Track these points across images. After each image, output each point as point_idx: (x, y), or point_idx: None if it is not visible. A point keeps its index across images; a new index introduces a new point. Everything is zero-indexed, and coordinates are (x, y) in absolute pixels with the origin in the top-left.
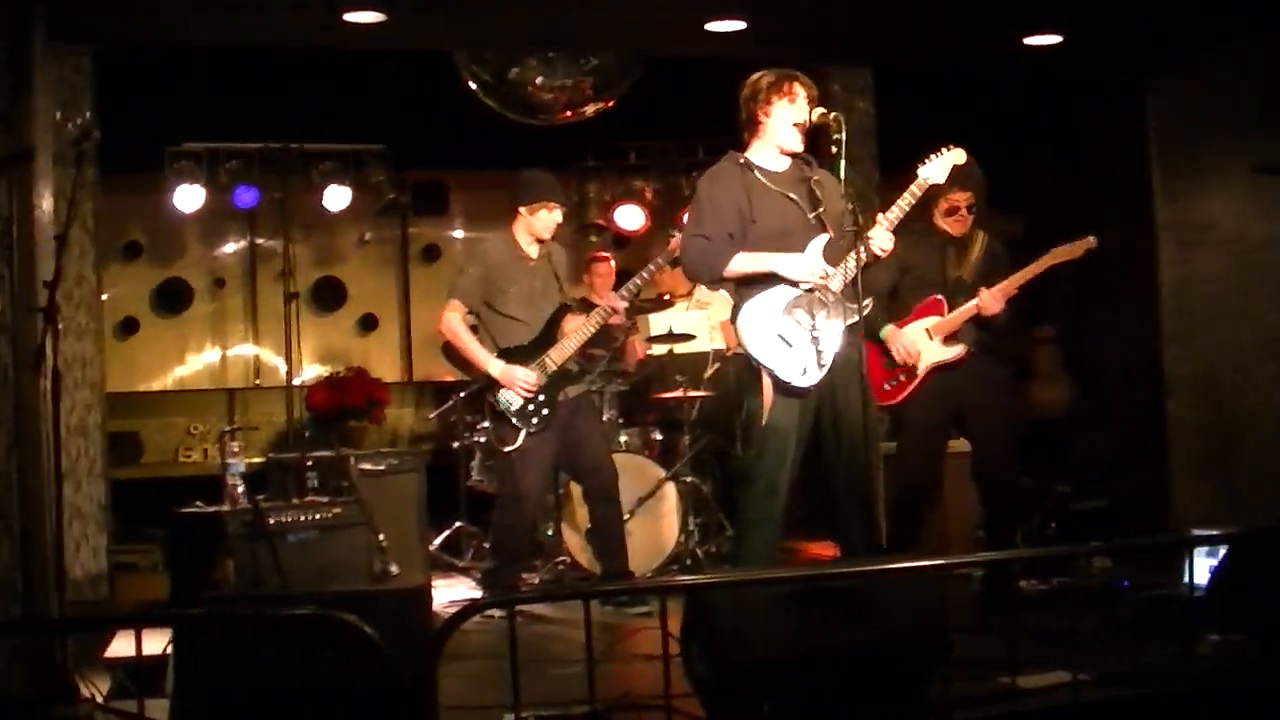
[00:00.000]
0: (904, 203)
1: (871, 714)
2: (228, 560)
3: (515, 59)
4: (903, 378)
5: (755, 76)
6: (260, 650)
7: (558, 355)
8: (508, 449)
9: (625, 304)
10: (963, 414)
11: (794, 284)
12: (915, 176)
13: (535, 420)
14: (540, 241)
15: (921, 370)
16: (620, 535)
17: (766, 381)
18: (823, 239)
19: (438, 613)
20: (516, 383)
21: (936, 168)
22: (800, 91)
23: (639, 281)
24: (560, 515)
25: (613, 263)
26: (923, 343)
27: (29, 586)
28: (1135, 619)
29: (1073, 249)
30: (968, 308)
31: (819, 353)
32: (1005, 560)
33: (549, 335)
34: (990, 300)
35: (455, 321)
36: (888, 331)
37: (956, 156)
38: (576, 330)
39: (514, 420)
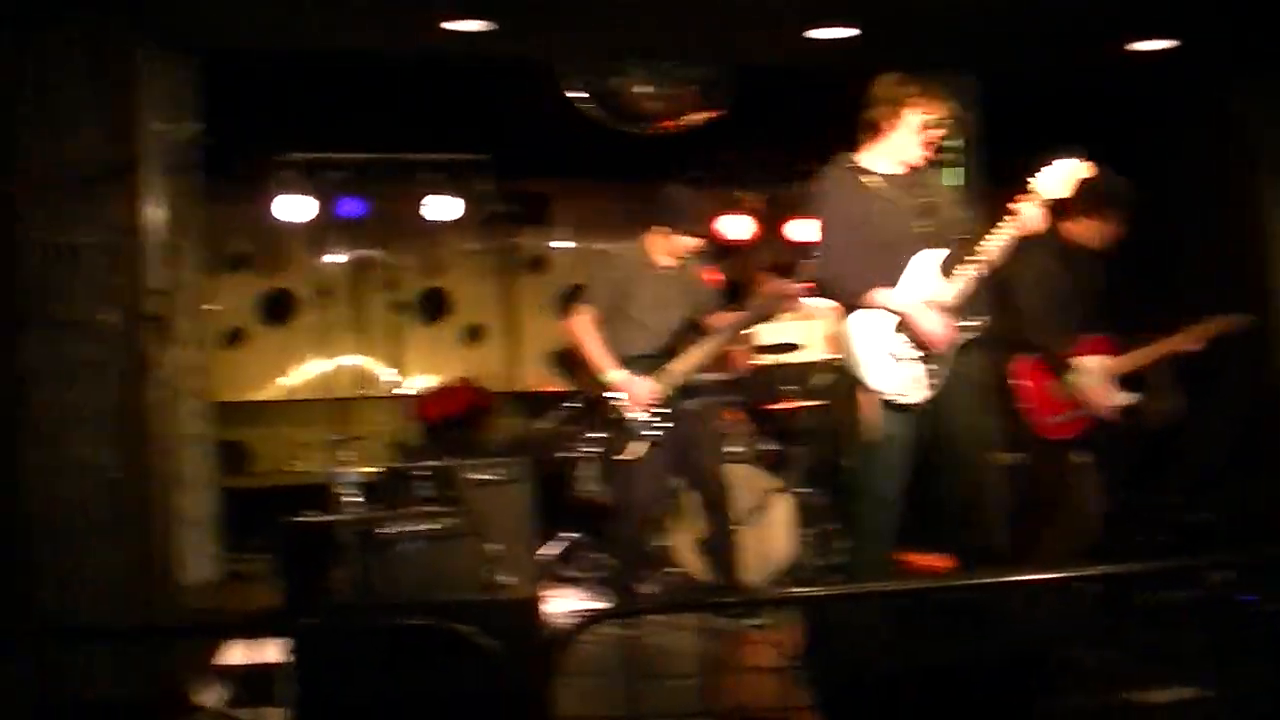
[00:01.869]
0: (1012, 218)
1: None
2: (339, 570)
3: (618, 68)
4: (1075, 414)
5: (892, 79)
6: (376, 659)
7: (681, 367)
8: (622, 458)
9: (799, 286)
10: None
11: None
12: (1026, 189)
13: (651, 430)
14: (675, 256)
15: (1097, 409)
16: (730, 548)
17: (871, 395)
18: (937, 254)
19: (550, 623)
20: (636, 393)
21: (1052, 179)
22: (937, 111)
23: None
24: (673, 525)
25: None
26: (1101, 386)
27: (142, 594)
28: (1259, 635)
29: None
30: (1149, 351)
31: (929, 371)
32: (1126, 574)
33: (675, 345)
34: (1178, 343)
35: (584, 325)
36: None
37: (1078, 170)
38: (701, 347)
39: (630, 429)
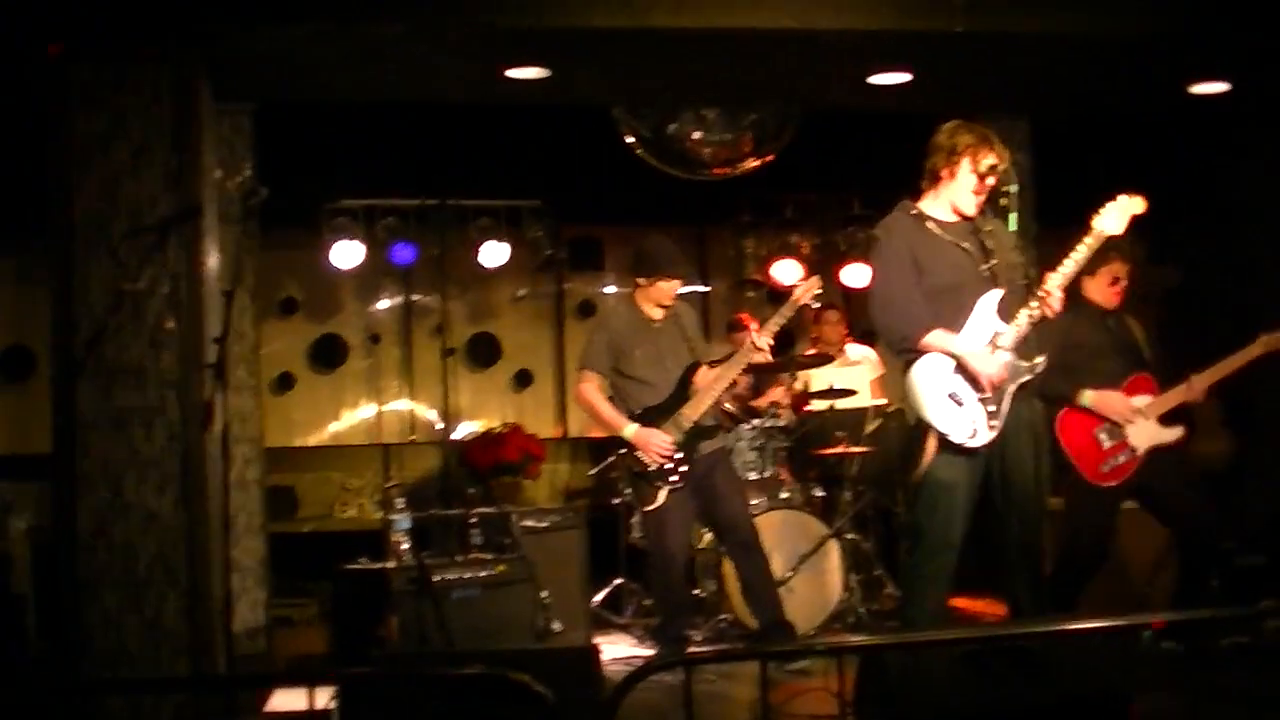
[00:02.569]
0: (1078, 255)
1: None
2: (393, 617)
3: (674, 114)
4: (1122, 459)
5: (952, 127)
6: (428, 709)
7: (692, 411)
8: (649, 508)
9: (769, 342)
10: (1144, 483)
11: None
12: (1087, 229)
13: (674, 478)
14: (662, 306)
15: (1142, 450)
16: (770, 585)
17: (933, 438)
18: (995, 295)
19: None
20: (652, 446)
21: (1112, 218)
22: (992, 160)
23: (779, 320)
24: (721, 573)
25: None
26: (1138, 424)
27: (195, 640)
28: None
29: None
30: (1178, 391)
31: (989, 413)
32: (1188, 620)
33: (681, 393)
34: (1199, 391)
35: (590, 391)
36: (1093, 397)
37: (1135, 205)
38: (716, 378)
39: (653, 479)
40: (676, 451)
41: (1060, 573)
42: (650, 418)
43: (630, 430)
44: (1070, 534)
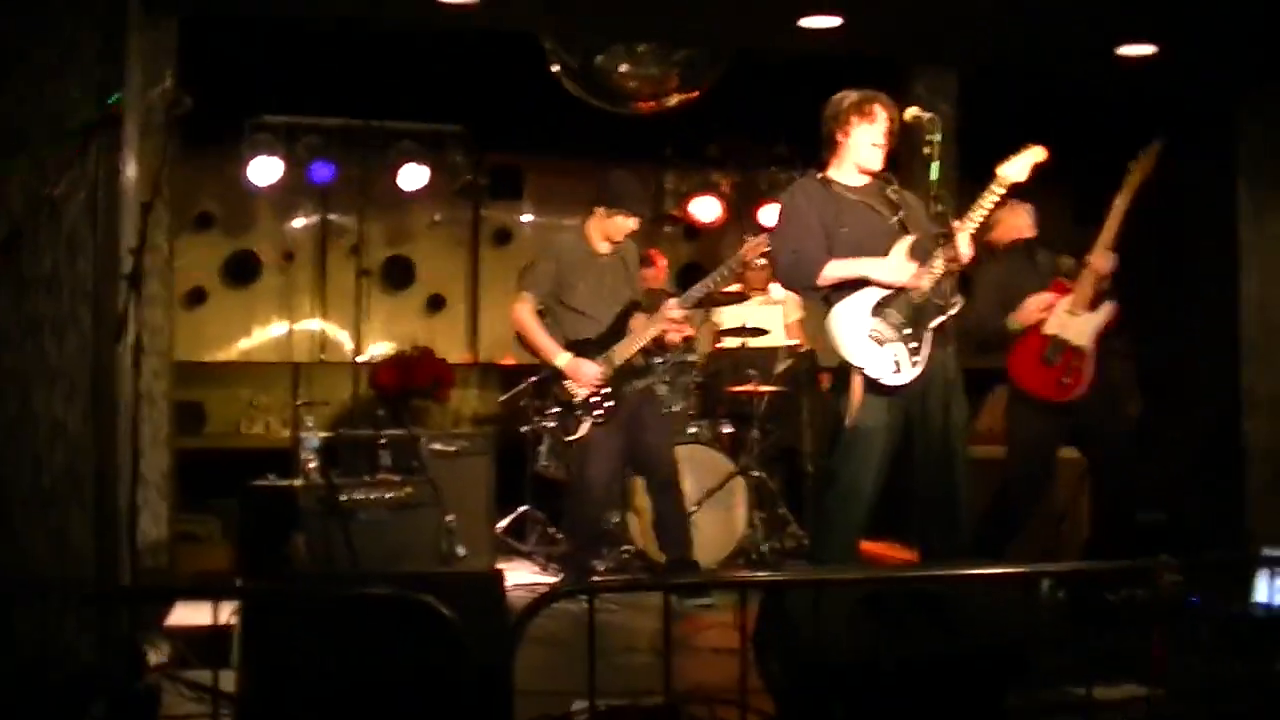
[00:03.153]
0: (985, 203)
1: None
2: (299, 535)
3: (603, 46)
4: (1075, 364)
5: (838, 97)
6: (331, 628)
7: (624, 350)
8: (571, 438)
9: (681, 314)
10: (1083, 428)
11: (885, 286)
12: (993, 177)
13: (599, 412)
14: (612, 241)
15: (1088, 344)
16: (684, 526)
17: (856, 382)
18: (907, 240)
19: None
20: (582, 376)
21: (1017, 166)
22: (881, 113)
23: (701, 290)
24: (627, 504)
25: (660, 261)
26: (1071, 324)
27: (100, 554)
28: (1207, 636)
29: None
30: (1087, 273)
31: (910, 350)
32: (1087, 571)
33: (617, 330)
34: (1101, 259)
35: (525, 313)
36: (1014, 320)
37: (1037, 154)
38: (641, 331)
39: (579, 411)
40: (605, 385)
41: (992, 520)
42: (583, 350)
43: (563, 359)
44: (1006, 482)
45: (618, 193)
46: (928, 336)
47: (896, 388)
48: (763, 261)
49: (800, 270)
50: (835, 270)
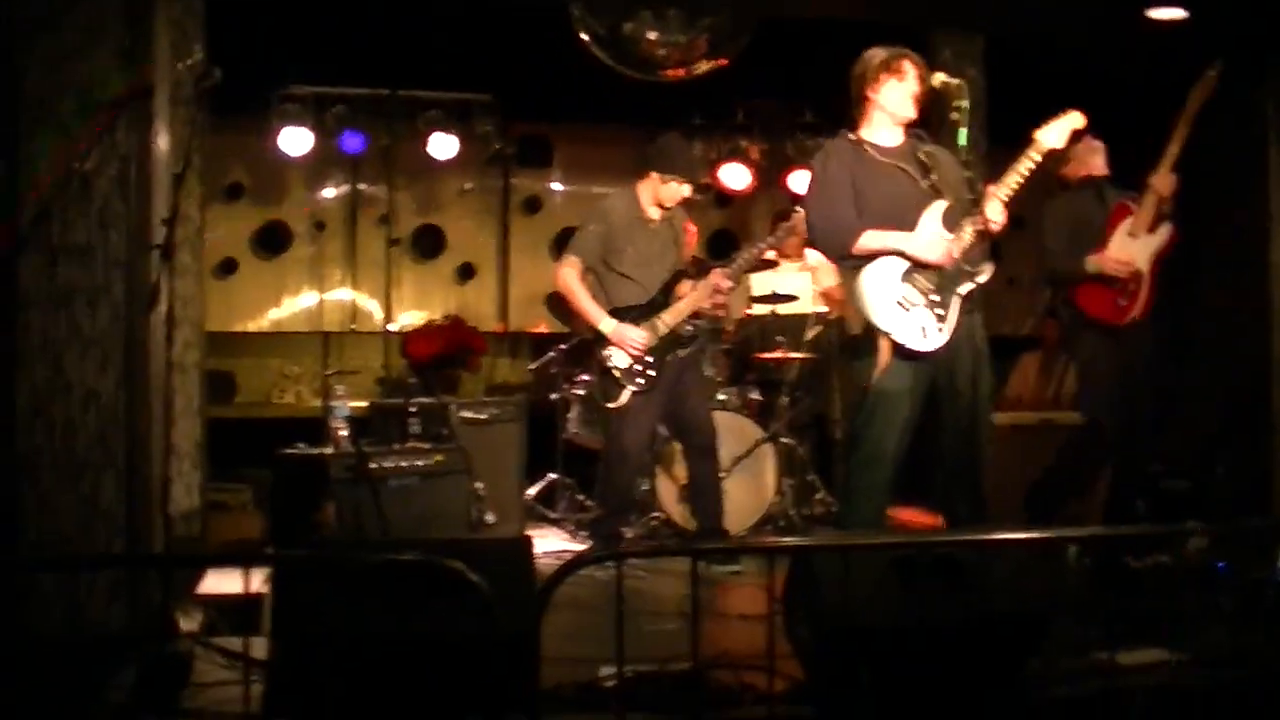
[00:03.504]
0: (1021, 169)
1: (972, 686)
2: (329, 503)
3: (630, 13)
4: (1131, 287)
5: (867, 55)
6: (361, 595)
7: (670, 318)
8: (612, 405)
9: (730, 284)
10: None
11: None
12: (1030, 141)
13: (642, 380)
14: (662, 207)
15: (1145, 267)
16: (718, 494)
17: (883, 346)
18: (940, 205)
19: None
20: (627, 342)
21: (1054, 132)
22: (910, 69)
23: (747, 260)
24: (657, 471)
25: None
26: (1131, 246)
27: (132, 522)
28: (1233, 602)
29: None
30: (1149, 197)
31: (938, 317)
32: (1112, 536)
33: (664, 297)
34: (1162, 180)
35: (572, 277)
36: (1093, 262)
37: (1074, 120)
38: (689, 299)
39: (621, 378)
40: (648, 354)
41: (1057, 476)
42: (629, 316)
43: (608, 325)
44: (1083, 428)
45: (672, 158)
46: (955, 303)
47: (923, 353)
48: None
49: (836, 239)
50: (870, 241)
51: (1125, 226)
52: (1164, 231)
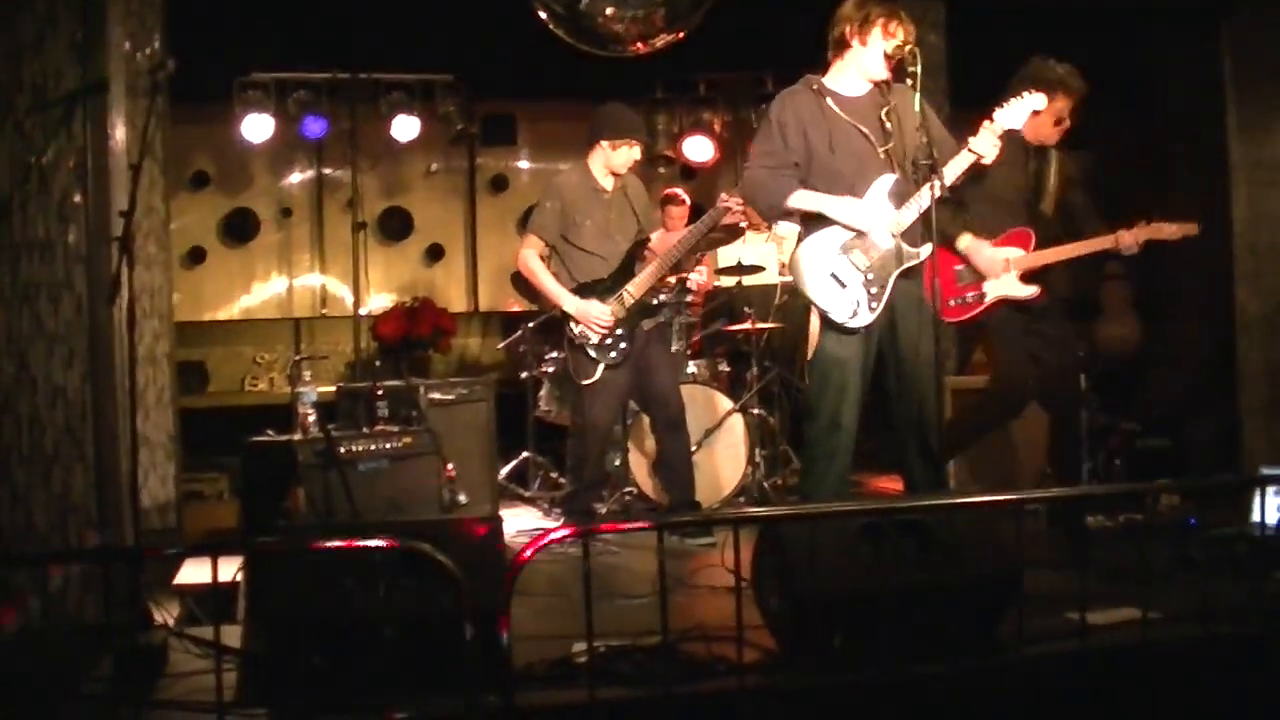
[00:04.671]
0: (976, 147)
1: (942, 649)
2: (299, 489)
3: None
4: (970, 298)
5: (861, 2)
6: (332, 578)
7: (636, 289)
8: (586, 382)
9: (740, 201)
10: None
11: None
12: (989, 118)
13: (614, 354)
14: (615, 175)
15: (989, 298)
16: (688, 466)
17: (815, 318)
18: (887, 180)
19: (508, 543)
20: (591, 319)
21: (1012, 113)
22: (900, 33)
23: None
24: (628, 446)
25: (686, 199)
26: (998, 272)
27: (103, 514)
28: (1204, 558)
29: (1173, 230)
30: (1042, 254)
31: (871, 295)
32: (1077, 496)
33: (627, 268)
34: (1047, 257)
35: (532, 258)
36: (968, 243)
37: (1036, 102)
38: (653, 267)
39: (592, 354)
40: (617, 327)
41: (963, 418)
42: (594, 291)
43: (571, 303)
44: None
45: (618, 123)
46: (891, 282)
47: (852, 330)
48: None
49: (767, 190)
50: (802, 201)
51: (1010, 252)
52: (1029, 292)
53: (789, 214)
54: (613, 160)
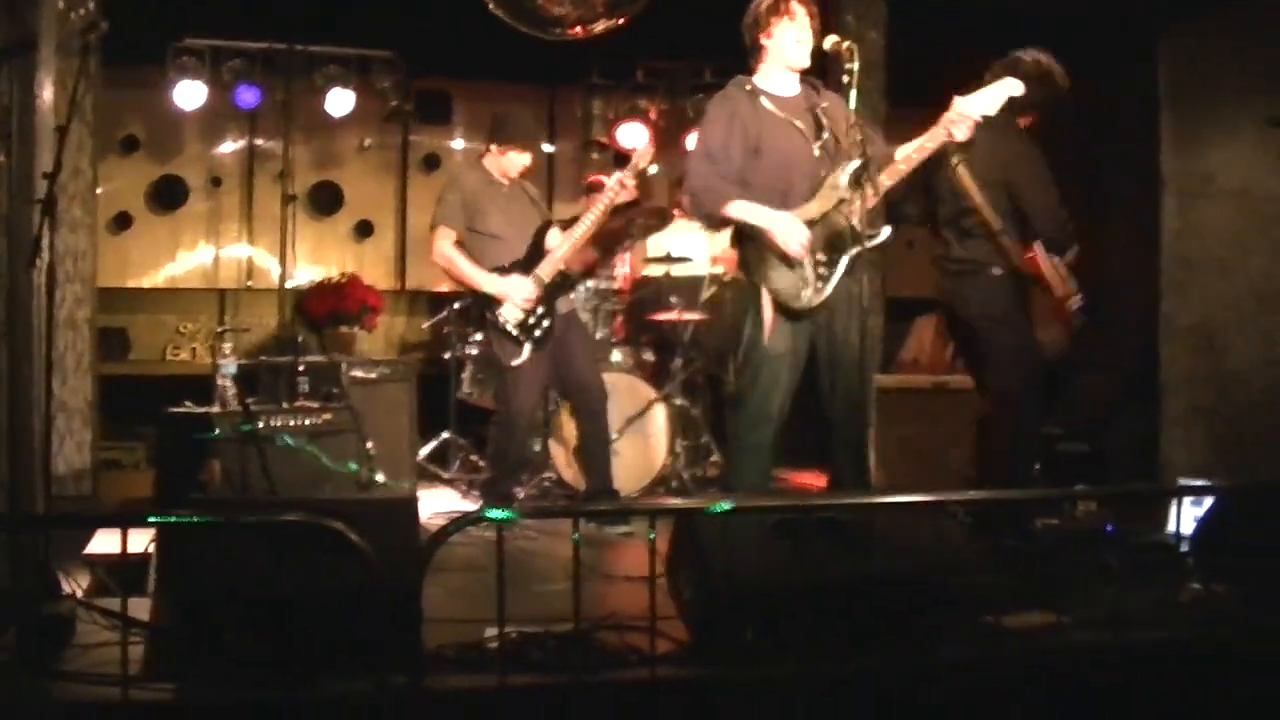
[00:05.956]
0: (929, 142)
1: (855, 647)
2: (215, 462)
3: None
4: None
5: (755, 3)
6: (245, 554)
7: (548, 269)
8: (514, 363)
9: (633, 181)
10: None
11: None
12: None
13: (537, 332)
14: (508, 177)
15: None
16: (606, 453)
17: (766, 304)
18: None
19: (425, 524)
20: (513, 295)
21: (984, 100)
22: (799, 9)
23: (638, 166)
24: (548, 431)
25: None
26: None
27: (14, 480)
28: (1119, 565)
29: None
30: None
31: (820, 276)
32: (998, 500)
33: (536, 251)
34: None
35: (446, 247)
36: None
37: (1011, 87)
38: (561, 249)
39: (517, 335)
40: (537, 306)
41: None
42: (507, 274)
43: (492, 284)
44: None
45: (508, 129)
46: (843, 264)
47: (801, 311)
48: (654, 169)
49: (709, 198)
50: (741, 213)
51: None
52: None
53: (727, 223)
54: (503, 164)
